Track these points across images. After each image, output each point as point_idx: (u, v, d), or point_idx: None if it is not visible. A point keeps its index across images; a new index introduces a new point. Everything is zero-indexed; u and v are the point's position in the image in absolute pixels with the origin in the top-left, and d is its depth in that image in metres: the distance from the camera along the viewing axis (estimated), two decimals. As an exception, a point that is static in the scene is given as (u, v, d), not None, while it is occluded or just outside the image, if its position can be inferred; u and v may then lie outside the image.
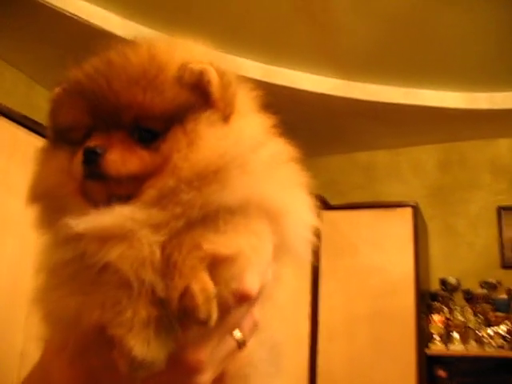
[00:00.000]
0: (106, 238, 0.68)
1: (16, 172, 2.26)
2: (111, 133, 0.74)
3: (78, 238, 0.68)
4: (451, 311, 3.52)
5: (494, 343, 3.30)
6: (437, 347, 3.37)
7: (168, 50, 0.80)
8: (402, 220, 3.57)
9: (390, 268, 3.48)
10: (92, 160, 0.71)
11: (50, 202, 0.78)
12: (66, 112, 0.79)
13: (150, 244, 0.68)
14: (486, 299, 3.50)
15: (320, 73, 3.66)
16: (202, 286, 0.63)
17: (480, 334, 3.40)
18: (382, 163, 4.44)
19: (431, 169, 4.31)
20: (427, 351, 3.30)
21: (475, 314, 3.47)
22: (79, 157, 0.73)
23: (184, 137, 0.74)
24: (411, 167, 4.36)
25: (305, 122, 3.91)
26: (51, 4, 2.95)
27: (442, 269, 3.89)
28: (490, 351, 3.28)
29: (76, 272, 0.70)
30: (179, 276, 0.65)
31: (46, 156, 0.83)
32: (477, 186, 4.12)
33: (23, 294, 2.19)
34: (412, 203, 3.61)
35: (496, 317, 3.38)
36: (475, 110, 3.75)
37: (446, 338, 3.45)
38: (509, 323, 3.37)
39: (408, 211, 3.58)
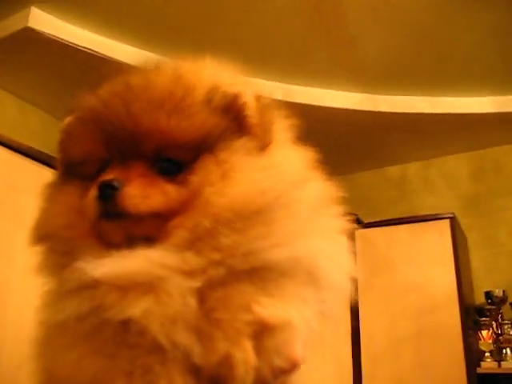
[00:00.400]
0: (128, 286, 0.58)
1: (25, 205, 2.19)
2: (129, 164, 0.65)
3: (95, 285, 0.58)
4: (500, 326, 3.35)
5: (548, 357, 3.12)
6: (488, 365, 3.19)
7: (195, 71, 0.70)
8: (440, 233, 3.43)
9: (430, 284, 3.33)
10: (108, 195, 0.61)
11: (57, 244, 0.68)
12: (78, 143, 0.70)
13: (182, 294, 0.57)
14: (536, 310, 3.32)
15: (343, 88, 3.58)
16: (245, 356, 0.54)
17: (533, 348, 3.22)
18: (413, 176, 4.32)
19: (465, 178, 4.17)
20: (478, 370, 3.13)
21: (526, 327, 3.29)
22: (93, 192, 0.63)
23: (216, 168, 0.64)
24: (444, 178, 4.22)
25: (332, 140, 3.82)
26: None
27: (486, 281, 3.72)
28: (545, 366, 3.10)
29: (94, 329, 0.59)
30: (222, 338, 0.55)
31: (53, 192, 0.75)
32: (514, 193, 3.96)
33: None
34: (449, 215, 3.47)
35: (548, 329, 3.20)
36: (504, 113, 3.62)
37: (498, 355, 3.27)
38: None
39: (445, 223, 3.44)
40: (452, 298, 3.25)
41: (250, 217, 0.61)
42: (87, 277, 0.59)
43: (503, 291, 3.51)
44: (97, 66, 2.98)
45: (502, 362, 3.20)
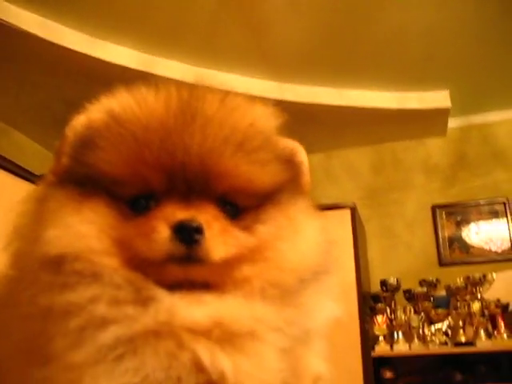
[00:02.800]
0: (223, 336, 0.54)
1: None
2: (197, 204, 0.59)
3: (180, 329, 0.53)
4: (393, 311, 3.49)
5: (437, 340, 3.29)
6: (382, 348, 3.32)
7: (264, 114, 0.68)
8: (341, 222, 3.51)
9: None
10: (194, 240, 0.56)
11: (86, 269, 0.56)
12: (122, 158, 0.60)
13: (275, 357, 0.55)
14: (427, 297, 3.49)
15: (251, 75, 3.59)
16: None
17: (423, 333, 3.38)
18: (316, 166, 4.40)
19: (365, 170, 4.32)
20: (372, 353, 3.25)
21: (417, 313, 3.45)
22: (165, 231, 0.56)
23: (288, 223, 0.63)
24: (345, 169, 4.35)
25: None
26: None
27: (382, 270, 3.87)
28: (433, 349, 3.26)
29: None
30: None
31: (69, 204, 0.61)
32: (410, 186, 4.15)
33: None
34: (350, 205, 3.56)
35: (437, 314, 3.37)
36: (405, 109, 3.79)
37: (390, 339, 3.41)
38: (450, 319, 3.38)
39: (346, 213, 3.53)
40: (351, 285, 3.34)
41: (316, 277, 0.62)
42: (177, 317, 0.53)
43: (397, 280, 3.66)
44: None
45: (394, 345, 3.34)
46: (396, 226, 4.09)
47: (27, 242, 0.61)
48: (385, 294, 3.62)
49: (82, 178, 0.62)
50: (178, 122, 0.60)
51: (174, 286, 0.57)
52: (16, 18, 2.80)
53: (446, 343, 3.26)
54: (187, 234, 0.56)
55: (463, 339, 3.25)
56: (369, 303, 3.57)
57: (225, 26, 3.11)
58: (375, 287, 3.77)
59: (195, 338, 0.53)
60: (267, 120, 0.68)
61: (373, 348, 3.29)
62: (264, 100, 0.73)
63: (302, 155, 0.70)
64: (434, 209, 4.03)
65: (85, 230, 0.59)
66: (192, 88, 0.66)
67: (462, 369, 3.22)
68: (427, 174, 4.14)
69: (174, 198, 0.59)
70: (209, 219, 0.58)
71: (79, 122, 0.65)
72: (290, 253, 0.62)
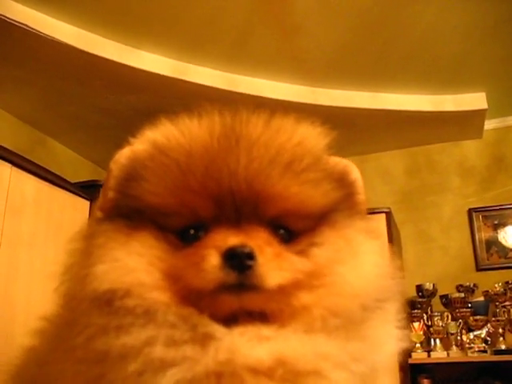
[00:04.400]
0: (287, 376, 0.51)
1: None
2: (247, 229, 0.57)
3: (242, 370, 0.51)
4: (430, 318, 3.43)
5: (475, 348, 3.22)
6: (419, 355, 3.27)
7: (307, 131, 0.67)
8: (376, 227, 3.47)
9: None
10: (246, 266, 0.53)
11: (136, 306, 0.54)
12: (168, 189, 0.58)
13: None
14: (464, 303, 3.42)
15: (284, 80, 3.56)
16: None
17: (461, 340, 3.31)
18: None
19: (400, 174, 4.26)
20: (409, 360, 3.19)
21: (455, 319, 3.38)
22: (215, 259, 0.54)
23: (346, 246, 0.61)
24: (379, 173, 4.29)
25: (271, 131, 3.80)
26: None
27: (418, 275, 3.81)
28: (472, 356, 3.20)
29: None
30: None
31: (116, 237, 0.59)
32: (446, 189, 4.08)
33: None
34: (385, 209, 3.52)
35: (475, 320, 3.30)
36: (441, 112, 3.72)
37: (428, 345, 3.35)
38: (489, 326, 3.30)
39: (381, 218, 3.49)
40: (386, 290, 3.30)
41: (379, 306, 0.59)
42: (239, 357, 0.51)
43: (433, 285, 3.60)
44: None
45: (431, 353, 3.28)
46: (432, 229, 4.02)
47: (77, 280, 0.60)
48: (421, 300, 3.56)
49: (128, 211, 0.61)
50: (222, 147, 0.59)
51: (229, 320, 0.55)
52: (51, 29, 2.84)
53: (485, 351, 3.19)
54: (238, 261, 0.54)
55: (503, 346, 3.18)
56: (405, 309, 3.52)
57: (257, 32, 3.10)
58: (411, 292, 3.72)
59: (258, 380, 0.51)
60: (315, 139, 0.67)
61: (409, 355, 3.24)
62: (310, 120, 0.71)
63: (354, 174, 0.67)
64: (470, 212, 3.95)
65: (133, 263, 0.57)
66: (235, 112, 0.64)
67: (501, 377, 3.15)
68: (463, 176, 4.07)
69: (224, 224, 0.58)
70: (261, 244, 0.56)
71: (123, 155, 0.65)
72: (350, 277, 0.59)
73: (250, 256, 0.54)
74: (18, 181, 2.41)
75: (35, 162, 2.63)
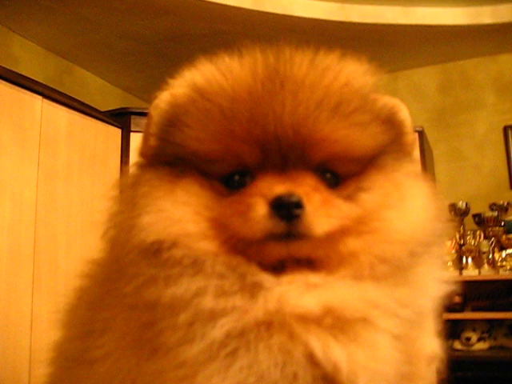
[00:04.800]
0: (336, 325, 0.52)
1: (4, 130, 2.11)
2: (294, 175, 0.56)
3: (292, 319, 0.52)
4: (463, 236, 3.45)
5: (507, 266, 3.24)
6: (450, 273, 3.31)
7: (354, 71, 0.64)
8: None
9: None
10: (294, 216, 0.53)
11: (184, 257, 0.55)
12: (212, 135, 0.57)
13: (390, 345, 0.54)
14: (497, 222, 3.41)
15: (313, -3, 3.44)
16: None
17: (493, 258, 3.34)
18: (381, 88, 4.25)
19: (432, 91, 4.14)
20: (441, 278, 3.24)
21: (487, 238, 3.39)
22: (262, 208, 0.54)
23: (394, 190, 0.59)
24: (411, 91, 4.18)
25: (300, 51, 3.72)
26: None
27: (451, 194, 3.79)
28: (503, 274, 3.23)
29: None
30: None
31: (161, 186, 0.59)
32: (481, 106, 3.96)
33: (27, 256, 2.09)
34: (418, 128, 3.46)
35: (508, 239, 3.30)
36: (477, 25, 3.55)
37: (459, 264, 3.39)
38: (522, 244, 3.31)
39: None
40: (418, 210, 3.30)
41: (427, 250, 0.59)
42: (288, 306, 0.52)
43: (466, 203, 3.59)
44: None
45: (463, 271, 3.32)
46: (465, 148, 3.95)
47: (122, 230, 0.60)
48: (454, 219, 3.56)
49: (171, 158, 0.60)
50: (266, 90, 0.57)
51: (277, 267, 0.55)
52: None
53: (517, 269, 3.22)
54: (286, 210, 0.53)
55: (535, 264, 3.19)
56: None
57: None
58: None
59: (307, 329, 0.52)
60: (362, 78, 0.65)
61: (441, 273, 3.28)
62: (357, 57, 0.68)
63: (403, 113, 0.66)
64: (505, 129, 3.85)
65: (179, 213, 0.57)
66: (278, 51, 0.62)
67: (533, 295, 3.18)
68: (499, 93, 3.93)
69: (270, 171, 0.57)
70: (308, 191, 0.55)
71: (163, 99, 0.62)
72: (398, 222, 0.58)
73: (298, 205, 0.53)
74: (50, 113, 2.42)
75: (65, 92, 2.63)
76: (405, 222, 0.59)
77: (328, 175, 0.59)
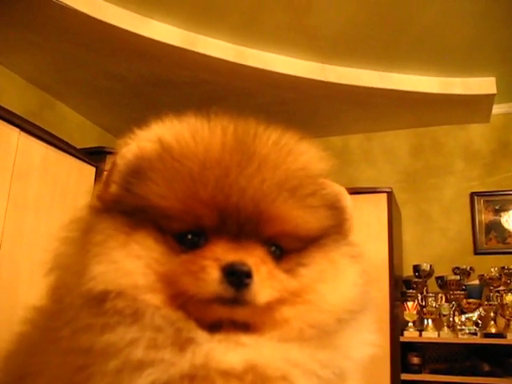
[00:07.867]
0: (256, 380, 0.55)
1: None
2: (246, 245, 0.60)
3: (215, 373, 0.54)
4: (425, 298, 3.50)
5: (466, 330, 3.29)
6: (411, 334, 3.34)
7: (314, 157, 0.70)
8: (377, 206, 3.51)
9: (364, 255, 3.41)
10: (244, 284, 0.56)
11: (126, 307, 0.56)
12: (174, 193, 0.59)
13: None
14: (459, 285, 3.47)
15: (294, 55, 3.56)
16: None
17: (453, 321, 3.38)
18: (355, 148, 4.37)
19: (403, 154, 4.27)
20: (401, 338, 3.27)
21: (448, 301, 3.44)
22: (215, 273, 0.57)
23: (330, 267, 0.65)
24: (384, 152, 4.31)
25: (278, 106, 3.83)
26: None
27: (416, 255, 3.86)
28: (462, 338, 3.27)
29: None
30: None
31: (115, 236, 0.60)
32: (450, 172, 4.09)
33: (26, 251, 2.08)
34: (387, 189, 3.55)
35: (468, 303, 3.36)
36: (449, 94, 3.71)
37: (420, 325, 3.42)
38: (481, 310, 3.36)
39: (383, 197, 3.53)
40: (383, 269, 3.36)
41: (353, 317, 0.64)
42: (213, 361, 0.54)
43: (430, 265, 3.65)
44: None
45: (422, 332, 3.35)
46: (433, 211, 4.05)
47: (70, 273, 0.61)
48: (417, 280, 3.62)
49: (130, 208, 0.62)
50: (235, 162, 0.60)
51: (214, 325, 0.58)
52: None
53: (475, 333, 3.26)
54: (237, 278, 0.56)
55: (493, 330, 3.24)
56: (400, 288, 3.58)
57: (268, 5, 3.08)
58: (408, 272, 3.77)
59: (229, 383, 0.54)
60: (318, 164, 0.70)
61: (401, 333, 3.31)
62: (312, 142, 0.74)
63: (346, 200, 0.71)
64: (472, 196, 3.97)
65: (131, 266, 0.59)
66: (248, 125, 0.67)
67: (490, 360, 3.22)
68: (467, 160, 4.07)
69: (224, 237, 0.60)
70: (257, 262, 0.59)
71: (130, 150, 0.64)
72: (330, 295, 0.63)
73: (248, 274, 0.57)
74: (26, 146, 2.45)
75: (43, 127, 2.66)
76: (336, 296, 0.64)
77: (273, 248, 0.63)
